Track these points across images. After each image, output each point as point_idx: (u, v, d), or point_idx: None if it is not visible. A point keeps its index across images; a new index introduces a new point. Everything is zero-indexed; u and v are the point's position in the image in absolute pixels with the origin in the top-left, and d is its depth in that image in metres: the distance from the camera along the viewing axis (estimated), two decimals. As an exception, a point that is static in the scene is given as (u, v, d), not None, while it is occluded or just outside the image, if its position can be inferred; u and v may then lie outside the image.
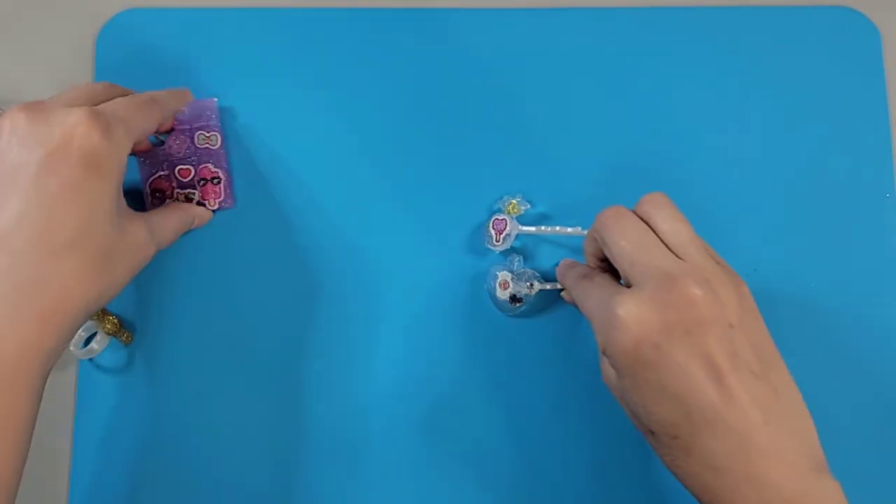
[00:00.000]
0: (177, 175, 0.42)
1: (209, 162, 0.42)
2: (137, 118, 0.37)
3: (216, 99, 0.44)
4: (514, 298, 0.41)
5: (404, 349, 0.43)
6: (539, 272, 0.43)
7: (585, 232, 0.42)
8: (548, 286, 0.42)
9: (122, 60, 0.46)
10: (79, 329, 0.35)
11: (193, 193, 0.42)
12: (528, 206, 0.43)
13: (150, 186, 0.42)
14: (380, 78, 0.45)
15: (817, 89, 0.45)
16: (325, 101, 0.45)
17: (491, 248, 0.42)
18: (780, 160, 0.44)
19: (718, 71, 0.46)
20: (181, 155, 0.42)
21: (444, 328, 0.43)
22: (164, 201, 0.42)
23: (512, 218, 0.42)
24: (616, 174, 0.44)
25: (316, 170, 0.44)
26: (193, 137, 0.42)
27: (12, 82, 0.46)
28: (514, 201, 0.42)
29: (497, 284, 0.41)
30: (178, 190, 0.42)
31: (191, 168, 0.42)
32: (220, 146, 0.43)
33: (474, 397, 0.42)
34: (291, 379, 0.42)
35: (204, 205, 0.42)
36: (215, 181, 0.42)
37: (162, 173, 0.42)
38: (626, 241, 0.33)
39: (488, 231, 0.42)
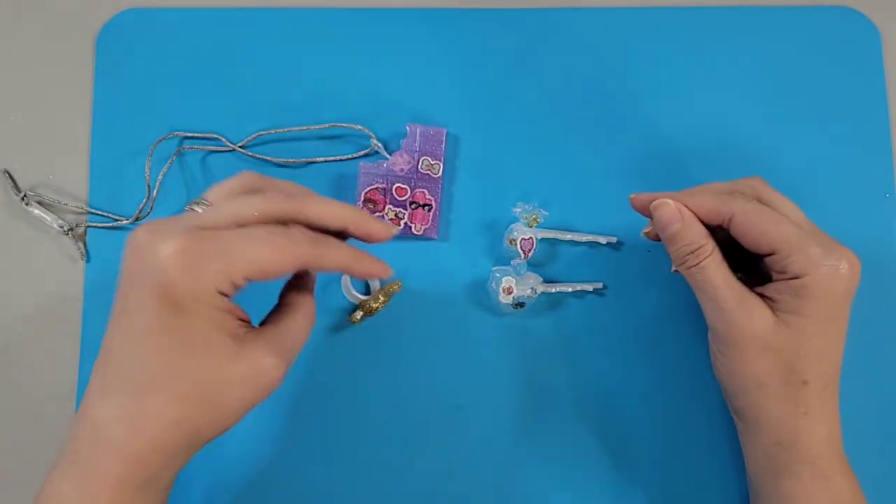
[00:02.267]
0: (393, 192, 0.43)
1: (426, 188, 0.43)
2: (253, 253, 0.31)
3: (446, 129, 0.44)
4: (517, 304, 0.41)
5: (406, 349, 0.43)
6: (541, 274, 0.43)
7: (599, 238, 0.43)
8: (550, 289, 0.42)
9: (122, 60, 0.46)
10: (188, 457, 0.33)
11: (403, 213, 0.43)
12: (546, 214, 0.43)
13: (365, 195, 0.43)
14: (386, 77, 0.45)
15: (817, 89, 0.45)
16: (325, 98, 0.45)
17: (516, 263, 0.42)
18: (780, 159, 0.45)
19: (718, 71, 0.46)
20: (402, 174, 0.43)
21: (445, 327, 0.43)
22: (373, 212, 0.42)
23: (533, 229, 0.42)
24: (616, 174, 0.44)
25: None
26: (419, 162, 0.43)
27: (12, 82, 0.46)
28: (535, 213, 0.42)
29: (501, 289, 0.41)
30: (390, 206, 0.43)
31: (407, 189, 0.43)
32: (440, 175, 0.43)
33: (475, 397, 0.43)
34: (290, 372, 0.42)
35: (410, 227, 0.43)
36: (427, 208, 0.43)
37: (380, 185, 0.43)
38: (787, 224, 0.35)
39: (517, 249, 0.42)
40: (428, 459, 0.42)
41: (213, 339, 0.31)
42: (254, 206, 0.32)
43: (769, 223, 0.35)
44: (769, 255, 0.35)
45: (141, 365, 0.31)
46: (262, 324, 0.34)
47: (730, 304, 0.35)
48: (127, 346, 0.31)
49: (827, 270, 0.34)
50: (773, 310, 0.35)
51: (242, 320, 0.33)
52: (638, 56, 0.46)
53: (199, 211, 0.32)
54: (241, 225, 0.32)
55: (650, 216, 0.37)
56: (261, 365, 0.32)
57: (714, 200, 0.36)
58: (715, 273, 0.35)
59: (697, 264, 0.35)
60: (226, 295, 0.31)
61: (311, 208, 0.33)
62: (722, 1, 0.47)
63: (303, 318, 0.35)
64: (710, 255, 0.35)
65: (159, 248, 0.30)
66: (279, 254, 0.31)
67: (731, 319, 0.35)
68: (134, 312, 0.31)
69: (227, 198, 0.33)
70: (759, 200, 0.36)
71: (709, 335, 0.37)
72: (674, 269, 0.37)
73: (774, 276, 0.35)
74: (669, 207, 0.36)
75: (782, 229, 0.35)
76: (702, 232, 0.36)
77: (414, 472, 0.42)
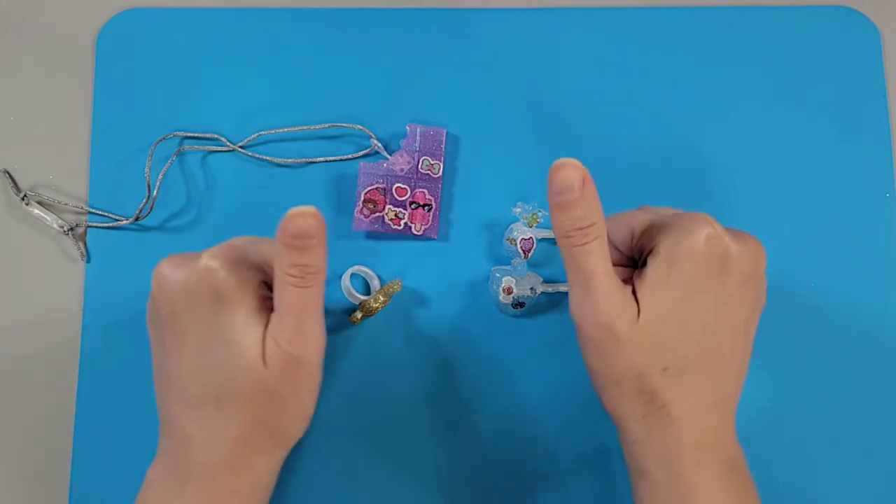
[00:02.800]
0: (393, 192, 0.43)
1: (426, 188, 0.43)
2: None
3: (446, 129, 0.44)
4: (517, 304, 0.41)
5: (405, 349, 0.43)
6: (541, 274, 0.43)
7: None
8: (550, 289, 0.42)
9: (121, 60, 0.46)
10: (281, 459, 0.36)
11: (403, 213, 0.42)
12: (546, 214, 0.43)
13: (365, 195, 0.43)
14: (386, 77, 0.45)
15: (817, 89, 0.45)
16: (325, 98, 0.45)
17: (515, 263, 0.42)
18: (779, 160, 0.45)
19: (719, 71, 0.46)
20: (402, 174, 0.43)
21: (445, 327, 0.43)
22: (373, 212, 0.42)
23: (533, 229, 0.42)
24: (616, 174, 0.44)
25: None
26: (419, 161, 0.43)
27: (13, 82, 0.46)
28: (535, 213, 0.42)
29: (501, 289, 0.41)
30: (390, 206, 0.42)
31: (407, 189, 0.43)
32: (440, 175, 0.43)
33: (475, 396, 0.43)
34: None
35: (410, 227, 0.42)
36: (427, 208, 0.43)
37: (379, 185, 0.43)
38: (645, 212, 0.35)
39: (517, 249, 0.42)
40: (428, 459, 0.42)
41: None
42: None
43: (627, 216, 0.35)
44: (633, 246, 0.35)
45: (206, 381, 0.33)
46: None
47: (598, 292, 0.32)
48: (188, 367, 0.34)
49: (677, 235, 0.32)
50: (635, 300, 0.32)
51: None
52: (638, 56, 0.46)
53: None
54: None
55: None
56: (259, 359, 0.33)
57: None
58: (598, 258, 0.31)
59: (583, 244, 0.31)
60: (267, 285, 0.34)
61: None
62: (722, 1, 0.47)
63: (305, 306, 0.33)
64: (598, 236, 0.31)
65: (199, 260, 0.33)
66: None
67: (595, 310, 0.32)
68: (188, 332, 0.33)
69: None
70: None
71: (575, 322, 0.34)
72: (557, 238, 0.33)
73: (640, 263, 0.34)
74: (574, 170, 0.30)
75: (639, 215, 0.35)
76: (598, 209, 0.31)
77: (413, 471, 0.42)
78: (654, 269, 0.32)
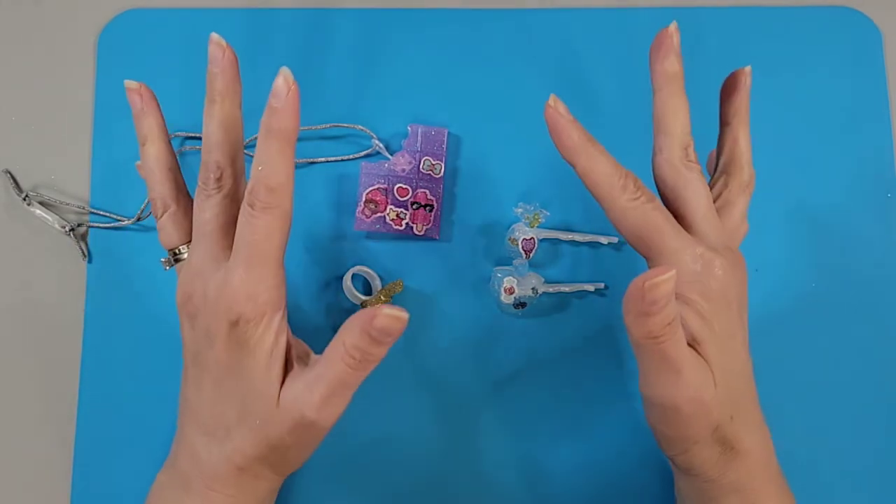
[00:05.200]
0: (394, 192, 0.43)
1: (427, 188, 0.43)
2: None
3: (447, 130, 0.44)
4: (519, 304, 0.42)
5: (406, 349, 0.43)
6: (542, 274, 0.43)
7: (601, 238, 0.43)
8: (551, 289, 0.42)
9: (122, 61, 0.46)
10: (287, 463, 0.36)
11: (404, 214, 0.42)
12: (548, 214, 0.43)
13: (366, 195, 0.43)
14: (388, 77, 0.45)
15: (818, 89, 0.45)
16: (326, 98, 0.45)
17: (517, 263, 0.42)
18: (780, 160, 0.45)
19: (719, 71, 0.46)
20: (404, 174, 0.43)
21: (447, 327, 0.43)
22: (375, 212, 0.42)
23: (534, 229, 0.42)
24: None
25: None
26: (420, 162, 0.43)
27: (14, 82, 0.46)
28: (536, 213, 0.42)
29: (502, 290, 0.41)
30: (392, 206, 0.43)
31: (409, 189, 0.43)
32: (441, 176, 0.43)
33: (476, 397, 0.43)
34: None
35: (412, 228, 0.42)
36: (428, 208, 0.43)
37: (381, 186, 0.43)
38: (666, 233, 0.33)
39: (519, 249, 0.42)
40: (428, 459, 0.42)
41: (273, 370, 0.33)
42: (210, 219, 0.34)
43: (645, 229, 0.33)
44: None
45: (219, 414, 0.33)
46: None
47: (687, 372, 0.31)
48: (205, 396, 0.34)
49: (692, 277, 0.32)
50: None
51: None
52: (638, 56, 0.46)
53: (185, 257, 0.35)
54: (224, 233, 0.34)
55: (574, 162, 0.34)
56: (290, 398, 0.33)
57: (609, 176, 0.33)
58: (682, 344, 0.31)
59: (670, 339, 0.31)
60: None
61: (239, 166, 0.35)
62: (722, 1, 0.47)
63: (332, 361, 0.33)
64: (679, 325, 0.31)
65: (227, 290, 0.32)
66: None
67: (685, 388, 0.32)
68: (209, 365, 0.33)
69: (174, 222, 0.36)
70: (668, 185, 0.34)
71: (642, 395, 0.34)
72: (638, 339, 0.31)
73: None
74: (666, 284, 0.29)
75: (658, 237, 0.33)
76: (674, 302, 0.30)
77: (413, 471, 0.42)
78: (694, 323, 0.32)
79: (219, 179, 0.34)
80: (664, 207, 0.33)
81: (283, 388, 0.33)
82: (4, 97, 0.46)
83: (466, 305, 0.43)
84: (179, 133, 0.44)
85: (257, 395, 0.33)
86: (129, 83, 0.35)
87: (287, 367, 0.33)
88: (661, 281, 0.28)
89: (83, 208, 0.44)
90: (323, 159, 0.44)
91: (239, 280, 0.32)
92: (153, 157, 0.36)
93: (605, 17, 0.46)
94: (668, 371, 0.32)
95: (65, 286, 0.44)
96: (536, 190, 0.44)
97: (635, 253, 0.43)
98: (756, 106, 0.45)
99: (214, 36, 0.34)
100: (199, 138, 0.45)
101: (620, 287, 0.43)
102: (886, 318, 0.43)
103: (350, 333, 0.31)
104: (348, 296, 0.42)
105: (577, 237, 0.43)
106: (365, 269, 0.43)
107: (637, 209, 0.33)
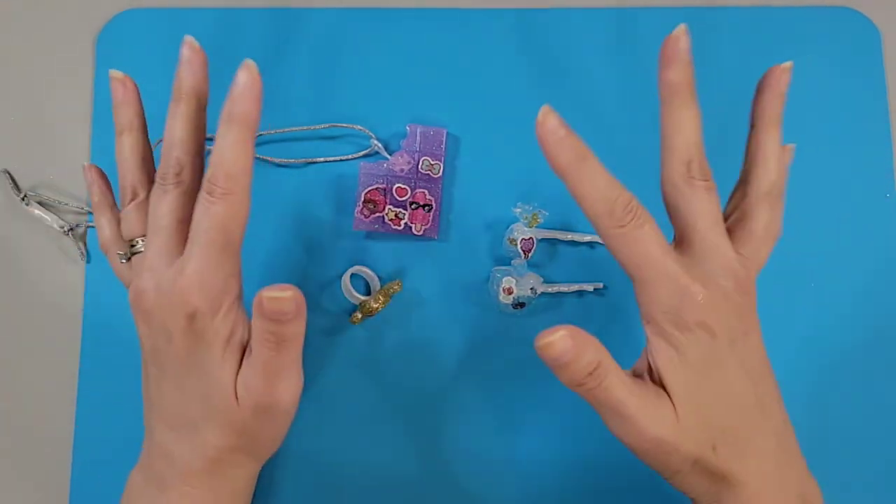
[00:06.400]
0: (393, 192, 0.43)
1: (426, 188, 0.43)
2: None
3: (446, 130, 0.44)
4: (517, 304, 0.42)
5: (405, 349, 0.43)
6: (541, 274, 0.43)
7: (600, 238, 0.42)
8: (550, 289, 0.42)
9: (122, 61, 0.46)
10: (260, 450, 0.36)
11: (403, 213, 0.42)
12: (547, 214, 0.43)
13: (365, 195, 0.43)
14: (386, 77, 0.45)
15: (817, 89, 0.45)
16: (325, 98, 0.45)
17: (516, 263, 0.42)
18: (780, 160, 0.45)
19: (719, 71, 0.46)
20: (403, 174, 0.43)
21: (445, 328, 0.43)
22: (373, 212, 0.42)
23: (533, 229, 0.42)
24: (616, 174, 0.44)
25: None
26: (419, 162, 0.43)
27: (13, 82, 0.46)
28: (535, 213, 0.42)
29: (501, 290, 0.41)
30: (390, 206, 0.42)
31: (407, 189, 0.43)
32: (440, 176, 0.43)
33: (475, 397, 0.43)
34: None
35: (410, 228, 0.42)
36: (427, 208, 0.43)
37: (380, 186, 0.43)
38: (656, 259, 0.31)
39: (517, 249, 0.42)
40: (428, 459, 0.42)
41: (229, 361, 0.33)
42: (166, 215, 0.33)
43: (636, 255, 0.31)
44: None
45: (183, 410, 0.34)
46: None
47: (633, 413, 0.31)
48: (167, 393, 0.34)
49: (671, 304, 0.31)
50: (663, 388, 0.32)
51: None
52: (638, 56, 0.46)
53: (143, 250, 0.34)
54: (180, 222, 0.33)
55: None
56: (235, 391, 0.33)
57: (595, 201, 0.31)
58: (617, 387, 0.31)
59: (599, 385, 0.31)
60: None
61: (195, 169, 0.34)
62: (722, 1, 0.47)
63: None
64: (608, 372, 0.31)
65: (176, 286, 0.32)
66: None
67: (637, 429, 0.31)
68: (168, 362, 0.33)
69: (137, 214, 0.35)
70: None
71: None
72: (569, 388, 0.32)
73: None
74: (562, 340, 0.30)
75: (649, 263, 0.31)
76: (597, 348, 0.31)
77: (413, 471, 0.42)
78: (662, 354, 0.32)
79: (178, 174, 0.33)
80: (656, 231, 0.31)
81: (238, 377, 0.33)
82: (3, 97, 0.46)
83: (465, 305, 0.43)
84: (178, 133, 0.44)
85: (215, 388, 0.33)
86: (114, 73, 0.36)
87: (245, 355, 0.33)
88: (549, 340, 0.31)
89: (82, 208, 0.44)
90: (322, 159, 0.44)
91: (193, 270, 0.32)
92: (129, 145, 0.36)
93: (606, 17, 0.46)
94: (612, 415, 0.32)
95: (63, 286, 0.44)
96: (535, 190, 0.44)
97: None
98: (755, 106, 0.45)
99: (188, 38, 0.34)
100: (198, 138, 0.45)
101: (619, 287, 0.43)
102: (887, 318, 0.43)
103: (254, 317, 0.32)
104: (347, 296, 0.42)
105: (576, 237, 0.43)
106: (364, 269, 0.43)
107: (619, 237, 0.31)
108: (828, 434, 0.42)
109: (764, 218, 0.34)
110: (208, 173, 0.32)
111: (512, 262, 0.42)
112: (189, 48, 0.34)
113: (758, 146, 0.35)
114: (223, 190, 0.31)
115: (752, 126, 0.35)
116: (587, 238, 0.43)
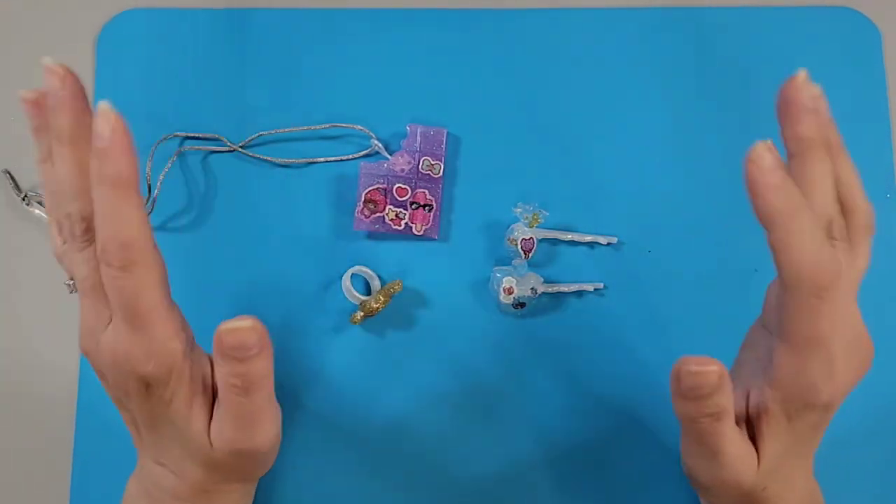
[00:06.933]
0: (393, 192, 0.43)
1: (426, 188, 0.43)
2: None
3: (446, 130, 0.44)
4: (518, 304, 0.42)
5: (405, 349, 0.43)
6: (541, 274, 0.43)
7: (600, 238, 0.43)
8: (551, 289, 0.42)
9: (122, 61, 0.46)
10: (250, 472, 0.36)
11: (404, 214, 0.42)
12: (547, 214, 0.43)
13: (365, 195, 0.43)
14: (387, 77, 0.45)
15: (817, 89, 0.45)
16: (325, 98, 0.45)
17: (516, 263, 0.42)
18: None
19: (719, 71, 0.46)
20: (403, 174, 0.43)
21: (446, 328, 0.43)
22: (374, 212, 0.42)
23: (534, 229, 0.42)
24: (617, 174, 0.45)
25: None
26: (419, 162, 0.43)
27: (13, 82, 0.46)
28: (535, 213, 0.42)
29: (501, 290, 0.41)
30: (391, 206, 0.42)
31: (408, 189, 0.43)
32: (440, 176, 0.43)
33: (475, 397, 0.43)
34: (291, 373, 0.42)
35: (411, 228, 0.42)
36: (427, 208, 0.43)
37: (380, 186, 0.43)
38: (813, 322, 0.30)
39: (518, 249, 0.42)
40: (428, 459, 0.42)
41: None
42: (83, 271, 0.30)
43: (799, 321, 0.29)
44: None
45: (162, 451, 0.33)
46: None
47: (727, 462, 0.31)
48: (144, 434, 0.33)
49: (794, 391, 0.30)
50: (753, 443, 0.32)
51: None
52: (638, 56, 0.46)
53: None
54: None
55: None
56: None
57: (817, 254, 0.28)
58: (726, 435, 0.30)
59: (711, 426, 0.30)
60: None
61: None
62: (721, 1, 0.47)
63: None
64: (728, 416, 0.30)
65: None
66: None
67: (720, 474, 0.31)
68: (134, 412, 0.33)
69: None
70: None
71: (684, 465, 0.35)
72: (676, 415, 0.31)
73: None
74: (713, 376, 0.28)
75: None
76: (730, 396, 0.29)
77: (414, 471, 0.42)
78: (774, 420, 0.31)
79: (86, 231, 0.30)
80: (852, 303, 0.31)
81: (211, 426, 0.32)
82: (4, 97, 0.46)
83: (465, 305, 0.43)
84: (179, 133, 0.44)
85: (189, 438, 0.32)
86: (52, 66, 0.30)
87: (216, 402, 0.32)
88: (698, 372, 0.27)
89: (82, 208, 0.44)
90: (322, 159, 0.44)
91: (129, 343, 0.29)
92: (76, 162, 0.29)
93: (607, 17, 0.46)
94: (704, 453, 0.31)
95: (64, 286, 0.44)
96: (536, 190, 0.44)
97: (634, 253, 0.44)
98: (756, 106, 0.45)
99: (48, 62, 0.29)
100: (199, 138, 0.45)
101: (619, 287, 0.43)
102: (887, 318, 0.43)
103: (216, 363, 0.30)
104: (347, 296, 0.42)
105: (577, 237, 0.43)
106: (364, 269, 0.43)
107: (811, 308, 0.28)
108: (827, 434, 0.42)
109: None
110: (99, 244, 0.28)
111: (512, 262, 0.42)
112: (52, 74, 0.29)
113: (814, 184, 0.30)
114: (121, 262, 0.28)
115: (791, 156, 0.31)
116: (587, 238, 0.43)
